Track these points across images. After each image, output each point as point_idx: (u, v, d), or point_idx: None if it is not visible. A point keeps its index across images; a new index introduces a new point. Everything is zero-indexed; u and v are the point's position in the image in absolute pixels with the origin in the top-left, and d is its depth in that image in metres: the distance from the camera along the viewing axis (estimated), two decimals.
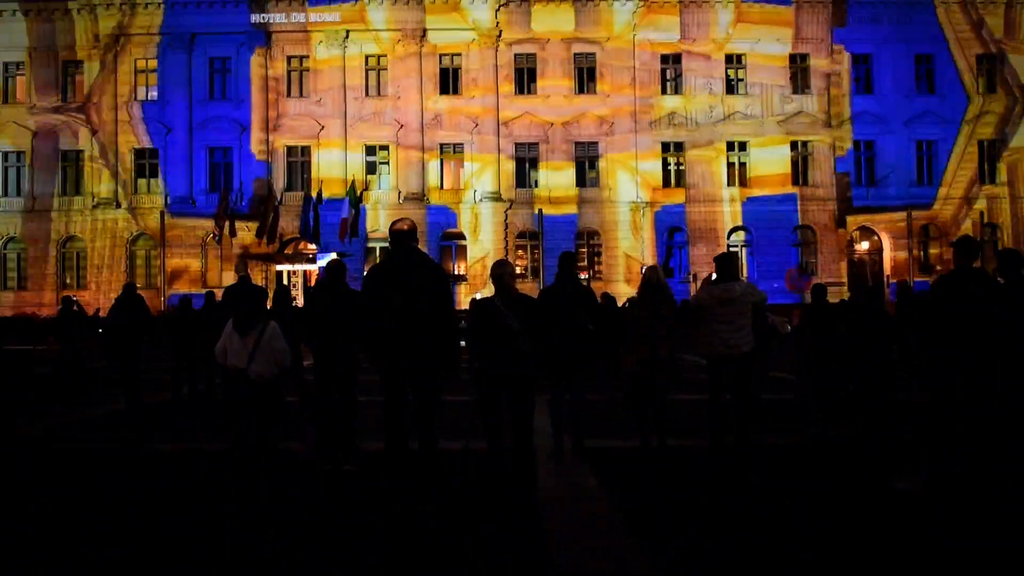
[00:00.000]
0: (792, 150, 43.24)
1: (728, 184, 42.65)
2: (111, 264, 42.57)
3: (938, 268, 40.99)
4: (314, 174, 42.39)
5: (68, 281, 43.03)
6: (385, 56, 42.78)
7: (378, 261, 27.57)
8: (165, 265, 40.51)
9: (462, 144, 42.77)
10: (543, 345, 7.37)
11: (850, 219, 42.65)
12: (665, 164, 43.30)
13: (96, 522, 6.47)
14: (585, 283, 13.01)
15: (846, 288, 40.49)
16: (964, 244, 7.32)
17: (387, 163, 42.97)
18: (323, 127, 42.43)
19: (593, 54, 42.90)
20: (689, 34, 42.73)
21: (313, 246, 40.84)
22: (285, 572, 5.25)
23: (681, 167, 43.24)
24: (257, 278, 38.10)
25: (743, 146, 43.11)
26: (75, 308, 16.68)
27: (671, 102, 42.87)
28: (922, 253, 43.34)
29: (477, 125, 42.38)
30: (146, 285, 40.36)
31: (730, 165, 43.11)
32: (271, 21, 42.39)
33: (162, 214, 40.85)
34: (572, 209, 42.12)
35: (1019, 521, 6.08)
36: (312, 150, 42.80)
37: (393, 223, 41.23)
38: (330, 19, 42.23)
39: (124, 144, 43.06)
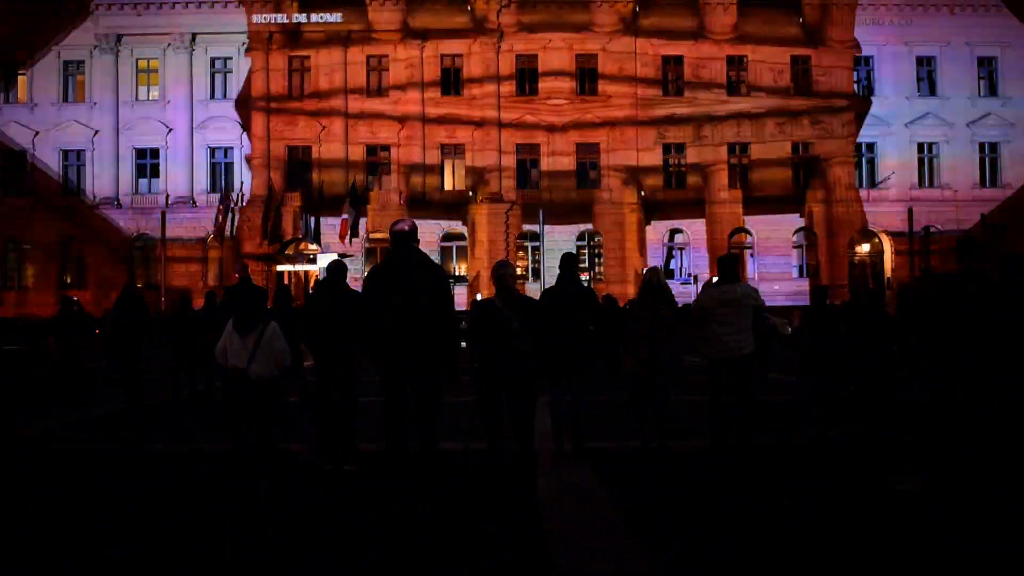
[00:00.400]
0: (794, 152, 43.26)
1: (730, 186, 42.63)
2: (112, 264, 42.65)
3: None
4: (315, 174, 42.42)
5: (68, 280, 43.11)
6: (386, 56, 42.81)
7: (379, 261, 27.56)
8: (165, 265, 40.54)
9: (463, 145, 42.79)
10: (543, 345, 7.38)
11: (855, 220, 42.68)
12: (667, 165, 43.31)
13: (96, 522, 6.47)
14: (586, 284, 13.05)
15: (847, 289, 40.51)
16: (966, 246, 7.34)
17: (388, 163, 43.00)
18: (324, 127, 42.47)
19: (595, 55, 42.91)
20: (691, 35, 42.73)
21: (314, 246, 40.87)
22: (285, 572, 5.25)
23: (682, 168, 43.24)
24: (258, 279, 38.11)
25: (745, 148, 43.13)
26: (75, 308, 16.67)
27: (673, 103, 42.87)
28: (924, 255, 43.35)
29: (478, 126, 42.40)
30: (146, 285, 40.41)
31: (732, 167, 43.12)
32: (273, 21, 42.40)
33: (163, 214, 40.90)
34: (573, 210, 42.11)
35: (1019, 521, 6.07)
36: (313, 150, 42.84)
37: (394, 223, 40.60)
38: (332, 19, 42.24)
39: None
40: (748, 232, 42.42)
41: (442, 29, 42.47)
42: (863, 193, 43.19)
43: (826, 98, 42.80)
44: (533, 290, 37.90)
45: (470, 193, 42.25)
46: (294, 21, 42.34)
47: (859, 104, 43.16)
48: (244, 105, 42.70)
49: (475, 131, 42.49)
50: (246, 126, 42.64)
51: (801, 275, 42.65)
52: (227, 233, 40.27)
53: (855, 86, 43.68)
